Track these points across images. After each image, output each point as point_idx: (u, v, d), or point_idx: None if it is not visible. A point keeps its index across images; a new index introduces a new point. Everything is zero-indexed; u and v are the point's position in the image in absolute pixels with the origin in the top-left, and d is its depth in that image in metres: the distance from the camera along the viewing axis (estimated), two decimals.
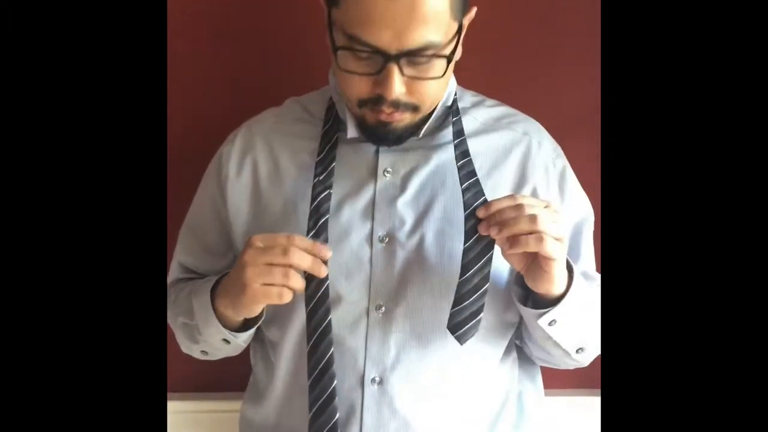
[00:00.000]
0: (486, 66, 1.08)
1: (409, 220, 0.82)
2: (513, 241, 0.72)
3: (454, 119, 0.84)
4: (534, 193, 0.84)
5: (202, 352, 0.90)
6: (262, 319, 0.84)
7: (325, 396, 0.76)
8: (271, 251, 0.73)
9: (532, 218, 0.71)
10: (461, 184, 0.78)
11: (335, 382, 0.76)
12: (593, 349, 0.84)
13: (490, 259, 0.75)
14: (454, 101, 0.85)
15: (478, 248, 0.75)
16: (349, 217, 0.82)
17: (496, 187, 0.84)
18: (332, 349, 0.76)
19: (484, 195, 0.78)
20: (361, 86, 0.75)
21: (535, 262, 0.74)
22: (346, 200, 0.83)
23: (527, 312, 0.79)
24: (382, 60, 0.71)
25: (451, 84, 0.85)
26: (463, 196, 0.78)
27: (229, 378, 1.14)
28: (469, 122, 0.86)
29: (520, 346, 0.91)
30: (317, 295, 0.76)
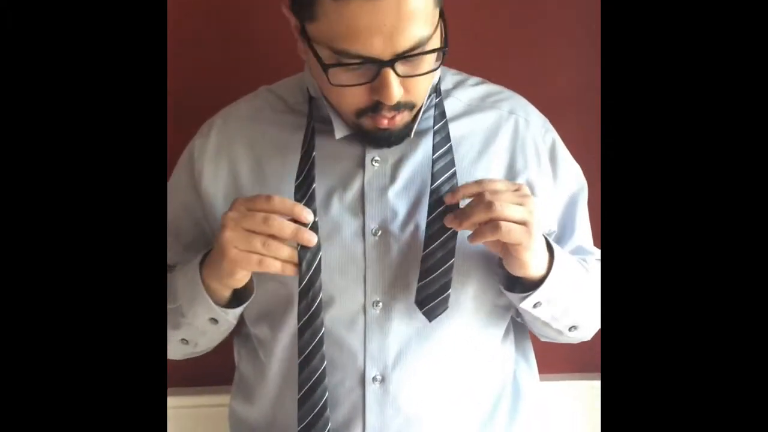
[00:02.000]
0: (477, 45, 1.06)
1: (402, 210, 0.79)
2: (475, 231, 0.71)
3: (436, 100, 0.80)
4: (525, 174, 0.82)
5: (182, 340, 0.83)
6: (253, 295, 0.79)
7: (312, 381, 0.74)
8: (251, 217, 0.69)
9: (488, 206, 0.69)
10: (433, 154, 0.77)
11: (325, 363, 0.74)
12: (588, 325, 0.83)
13: (454, 234, 0.74)
14: (438, 80, 0.82)
15: (440, 222, 0.74)
16: (339, 212, 0.79)
17: (487, 171, 0.81)
18: (320, 334, 0.74)
19: (454, 166, 0.77)
20: (356, 97, 0.71)
21: (506, 247, 0.72)
22: (334, 193, 0.79)
23: (511, 296, 0.78)
24: (376, 67, 0.67)
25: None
26: (433, 167, 0.76)
27: (213, 371, 1.10)
28: (452, 104, 0.83)
29: (516, 325, 0.89)
30: (309, 292, 0.73)
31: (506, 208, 0.69)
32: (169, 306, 0.80)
